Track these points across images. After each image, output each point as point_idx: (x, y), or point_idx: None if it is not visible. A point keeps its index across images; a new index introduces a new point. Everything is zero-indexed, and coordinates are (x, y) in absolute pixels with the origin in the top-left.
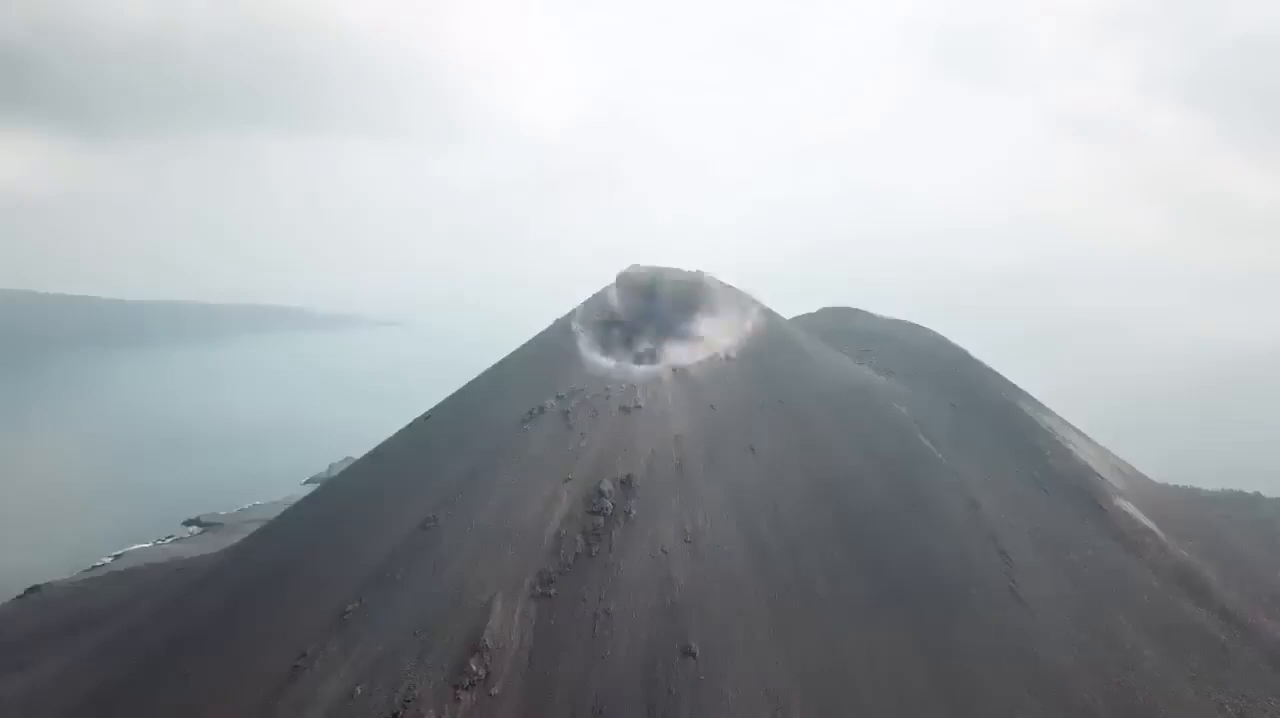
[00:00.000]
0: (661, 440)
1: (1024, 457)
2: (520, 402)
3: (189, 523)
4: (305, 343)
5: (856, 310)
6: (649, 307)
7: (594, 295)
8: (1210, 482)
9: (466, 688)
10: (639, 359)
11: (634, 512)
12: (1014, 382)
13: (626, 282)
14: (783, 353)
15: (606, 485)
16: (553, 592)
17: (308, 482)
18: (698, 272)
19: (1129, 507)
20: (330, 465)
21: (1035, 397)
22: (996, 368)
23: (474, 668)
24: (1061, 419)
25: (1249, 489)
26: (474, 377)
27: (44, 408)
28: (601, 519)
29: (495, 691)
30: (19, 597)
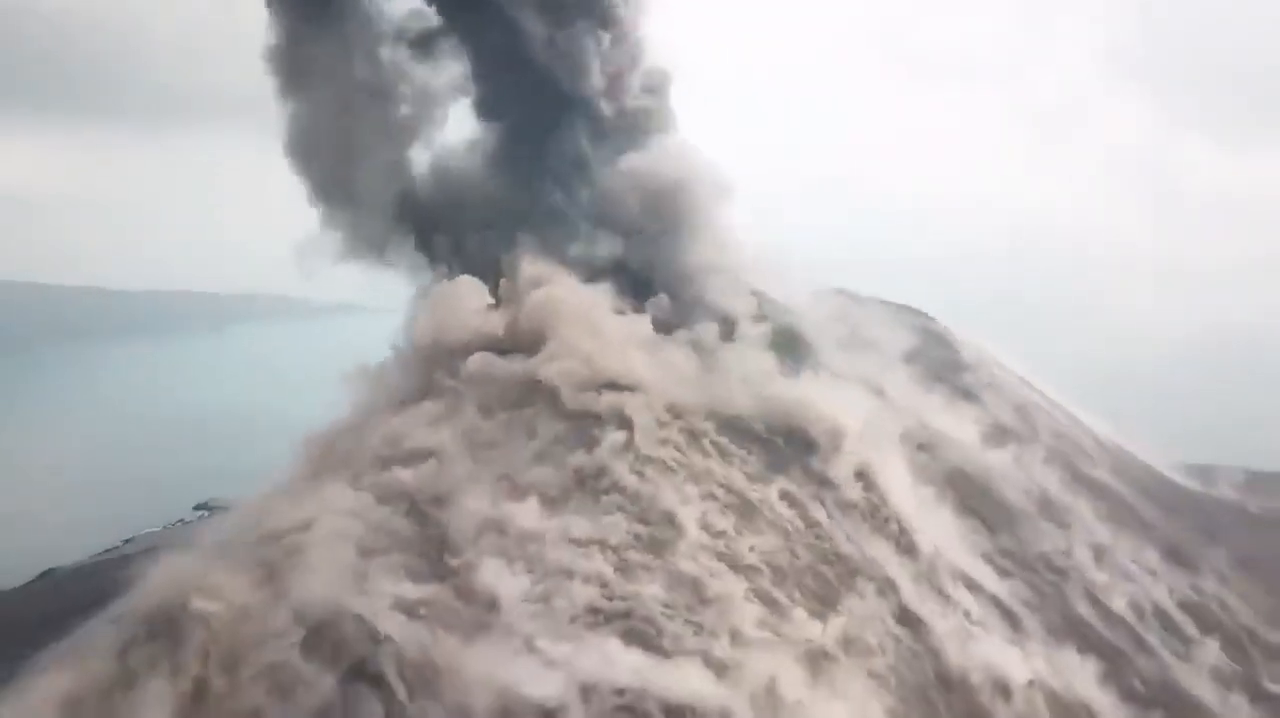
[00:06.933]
0: None
1: None
2: None
3: (199, 508)
4: (308, 332)
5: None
6: None
7: None
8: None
9: None
10: None
11: None
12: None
13: None
14: None
15: None
16: None
17: None
18: None
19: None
20: None
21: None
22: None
23: None
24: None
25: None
26: None
27: (56, 396)
28: None
29: None
30: (32, 579)
